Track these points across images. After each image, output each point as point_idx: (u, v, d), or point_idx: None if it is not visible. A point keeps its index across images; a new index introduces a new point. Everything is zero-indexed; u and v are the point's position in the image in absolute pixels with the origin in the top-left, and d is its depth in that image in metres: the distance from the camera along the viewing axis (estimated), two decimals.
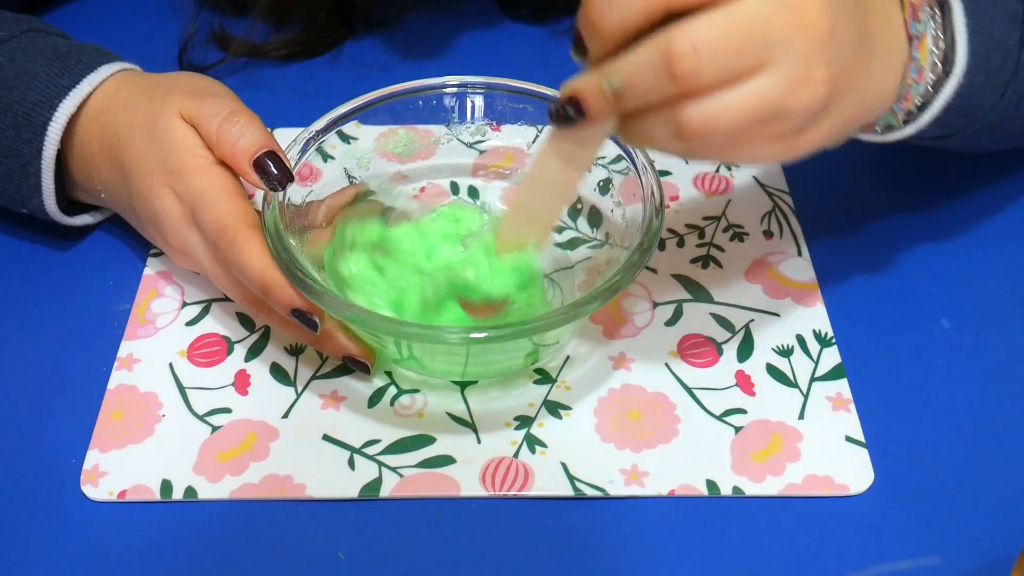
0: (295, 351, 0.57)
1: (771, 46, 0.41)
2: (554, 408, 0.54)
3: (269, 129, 0.55)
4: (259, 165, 0.54)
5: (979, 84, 0.51)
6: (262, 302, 0.53)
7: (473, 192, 0.64)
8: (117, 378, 0.55)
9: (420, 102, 0.60)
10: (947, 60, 0.50)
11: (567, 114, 0.43)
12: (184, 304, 0.59)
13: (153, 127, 0.55)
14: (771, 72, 0.41)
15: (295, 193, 0.56)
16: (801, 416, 0.54)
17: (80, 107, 0.57)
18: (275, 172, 0.54)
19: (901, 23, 0.48)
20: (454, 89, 0.61)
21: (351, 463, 0.52)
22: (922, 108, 0.51)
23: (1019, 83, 0.53)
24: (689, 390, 0.55)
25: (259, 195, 0.55)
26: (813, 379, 0.55)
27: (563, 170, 0.47)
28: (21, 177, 0.58)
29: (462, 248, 0.57)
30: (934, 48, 0.50)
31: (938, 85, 0.51)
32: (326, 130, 0.58)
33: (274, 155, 0.54)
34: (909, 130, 0.52)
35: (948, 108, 0.51)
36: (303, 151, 0.57)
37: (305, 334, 0.53)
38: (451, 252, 0.56)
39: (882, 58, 0.47)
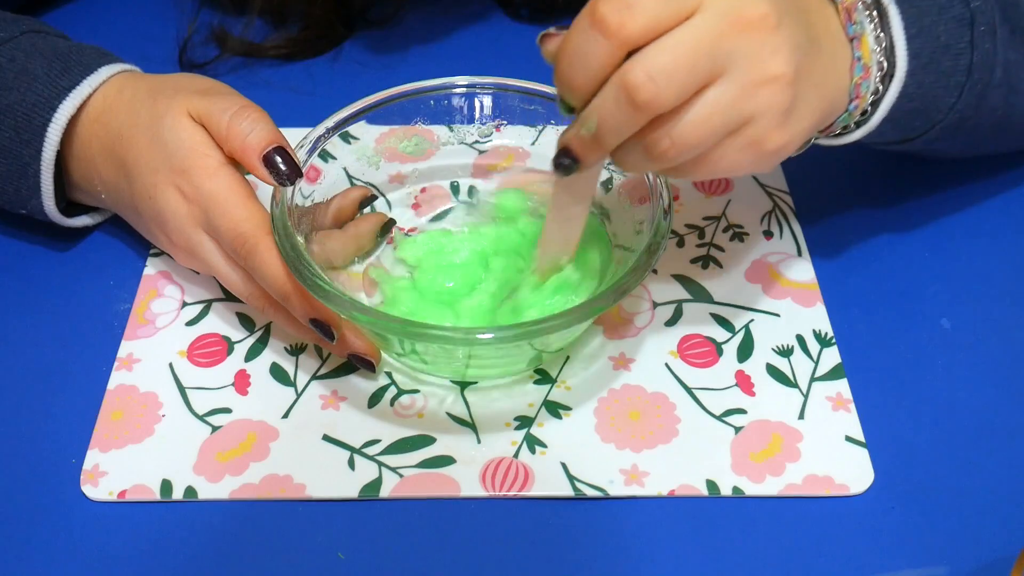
0: (295, 351, 0.57)
1: (721, 55, 0.42)
2: (554, 408, 0.54)
3: None
4: (268, 160, 0.54)
5: (930, 85, 0.52)
6: (276, 302, 0.54)
7: (472, 193, 0.64)
8: (117, 378, 0.55)
9: (432, 102, 0.60)
10: (890, 62, 0.51)
11: (564, 164, 0.47)
12: (184, 304, 0.59)
13: (158, 126, 0.55)
14: (726, 79, 0.43)
15: (301, 193, 0.56)
16: (801, 416, 0.54)
17: (80, 108, 0.57)
18: (283, 168, 0.54)
19: (839, 25, 0.49)
20: (463, 89, 0.61)
21: (351, 463, 0.52)
22: (875, 107, 0.52)
23: (975, 84, 0.53)
24: (689, 390, 0.55)
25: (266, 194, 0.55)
26: (813, 379, 0.55)
27: (574, 204, 0.52)
28: (20, 178, 0.58)
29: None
30: (876, 47, 0.50)
31: (886, 85, 0.51)
32: (335, 129, 0.58)
33: (283, 151, 0.54)
34: (860, 132, 0.52)
35: (900, 109, 0.52)
36: (312, 150, 0.57)
37: (313, 333, 0.54)
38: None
39: (830, 56, 0.48)
